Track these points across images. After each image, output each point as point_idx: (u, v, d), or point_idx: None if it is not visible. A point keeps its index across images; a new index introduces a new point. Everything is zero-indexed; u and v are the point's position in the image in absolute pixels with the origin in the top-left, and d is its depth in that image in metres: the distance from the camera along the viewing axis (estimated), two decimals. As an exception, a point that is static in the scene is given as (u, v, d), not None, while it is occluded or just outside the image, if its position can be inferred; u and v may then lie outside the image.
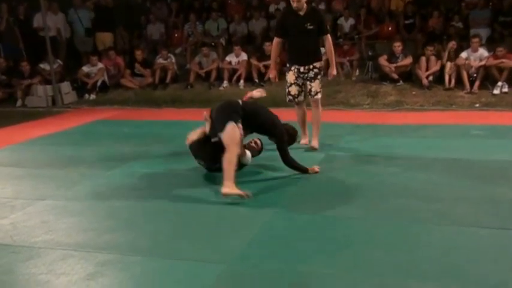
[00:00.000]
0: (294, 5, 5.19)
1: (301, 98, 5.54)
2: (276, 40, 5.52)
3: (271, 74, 5.83)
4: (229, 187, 4.01)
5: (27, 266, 3.07)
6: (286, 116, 6.53)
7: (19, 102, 9.28)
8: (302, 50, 5.34)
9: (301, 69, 5.38)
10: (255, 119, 4.57)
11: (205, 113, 4.66)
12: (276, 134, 4.58)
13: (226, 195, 3.99)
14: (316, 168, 4.67)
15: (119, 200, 4.18)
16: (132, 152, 5.62)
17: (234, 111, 4.42)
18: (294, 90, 5.47)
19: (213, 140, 4.44)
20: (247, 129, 4.60)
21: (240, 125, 4.35)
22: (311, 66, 5.36)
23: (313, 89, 5.41)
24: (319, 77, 5.41)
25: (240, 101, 4.65)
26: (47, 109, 8.83)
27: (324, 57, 5.65)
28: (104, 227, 3.65)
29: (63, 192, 4.40)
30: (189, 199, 4.18)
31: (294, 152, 5.17)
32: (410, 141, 5.66)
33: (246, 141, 4.83)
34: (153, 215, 3.88)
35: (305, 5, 5.22)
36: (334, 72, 5.52)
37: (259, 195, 4.18)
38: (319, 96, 5.44)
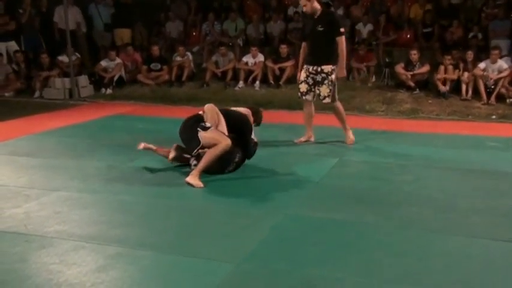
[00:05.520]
0: (304, 9, 5.63)
1: (309, 96, 5.78)
2: (303, 43, 5.91)
3: (298, 73, 6.03)
4: (192, 178, 4.39)
5: (40, 255, 3.11)
6: (295, 118, 6.52)
7: (37, 94, 9.38)
8: (312, 51, 5.68)
9: (310, 68, 5.66)
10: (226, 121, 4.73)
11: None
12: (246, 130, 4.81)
13: (187, 183, 4.38)
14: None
15: (131, 194, 4.21)
16: (146, 148, 5.65)
17: (195, 121, 4.66)
18: (303, 87, 5.76)
19: (193, 153, 4.60)
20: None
21: (208, 125, 4.57)
22: (319, 69, 5.61)
23: (321, 94, 5.68)
24: (326, 81, 5.60)
25: (199, 113, 4.82)
26: (63, 101, 8.90)
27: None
28: (116, 220, 3.68)
29: (76, 184, 4.45)
30: (201, 197, 4.21)
31: (302, 155, 5.21)
32: (424, 150, 5.62)
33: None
34: (164, 211, 3.90)
35: (318, 8, 5.57)
36: (343, 73, 5.71)
37: (271, 196, 4.19)
38: (327, 100, 5.68)
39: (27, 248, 3.22)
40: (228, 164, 4.67)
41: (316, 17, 5.57)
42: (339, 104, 5.81)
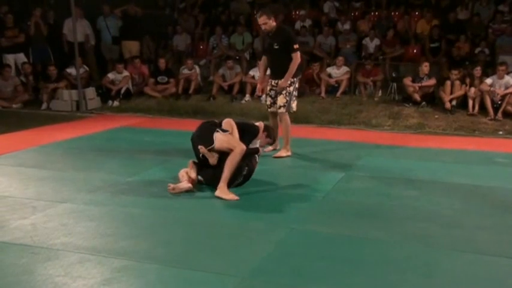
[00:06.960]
0: (262, 28, 5.76)
1: (273, 109, 5.98)
2: (262, 58, 6.18)
3: (258, 85, 6.33)
4: (222, 192, 4.39)
5: (46, 267, 3.12)
6: (301, 132, 6.54)
7: (44, 105, 9.43)
8: (271, 67, 5.96)
9: (272, 82, 5.93)
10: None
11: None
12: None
13: (218, 197, 4.37)
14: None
15: (137, 207, 4.22)
16: (153, 160, 5.67)
17: (211, 125, 4.79)
18: (268, 100, 6.03)
19: (200, 155, 4.65)
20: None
21: (227, 129, 4.69)
22: (277, 82, 5.81)
23: (277, 103, 5.86)
24: (283, 92, 5.78)
25: (215, 120, 4.96)
26: (70, 113, 8.94)
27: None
28: (122, 233, 3.69)
29: (83, 196, 4.46)
30: (208, 210, 4.20)
31: (308, 170, 5.21)
32: (431, 165, 5.60)
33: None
34: (171, 223, 3.91)
35: (274, 25, 5.71)
36: (283, 84, 5.73)
37: (277, 210, 4.19)
38: (282, 110, 5.83)
39: (33, 259, 3.22)
40: (236, 177, 4.67)
41: (272, 35, 5.75)
42: (287, 116, 5.88)
